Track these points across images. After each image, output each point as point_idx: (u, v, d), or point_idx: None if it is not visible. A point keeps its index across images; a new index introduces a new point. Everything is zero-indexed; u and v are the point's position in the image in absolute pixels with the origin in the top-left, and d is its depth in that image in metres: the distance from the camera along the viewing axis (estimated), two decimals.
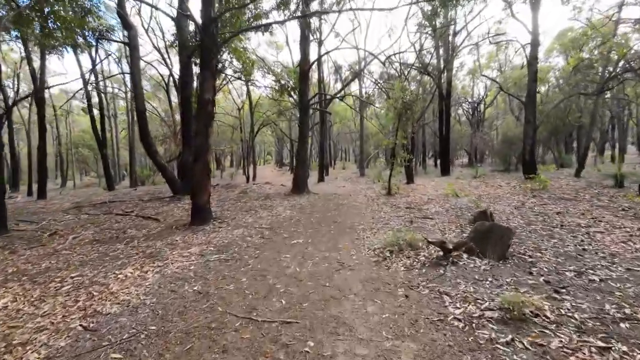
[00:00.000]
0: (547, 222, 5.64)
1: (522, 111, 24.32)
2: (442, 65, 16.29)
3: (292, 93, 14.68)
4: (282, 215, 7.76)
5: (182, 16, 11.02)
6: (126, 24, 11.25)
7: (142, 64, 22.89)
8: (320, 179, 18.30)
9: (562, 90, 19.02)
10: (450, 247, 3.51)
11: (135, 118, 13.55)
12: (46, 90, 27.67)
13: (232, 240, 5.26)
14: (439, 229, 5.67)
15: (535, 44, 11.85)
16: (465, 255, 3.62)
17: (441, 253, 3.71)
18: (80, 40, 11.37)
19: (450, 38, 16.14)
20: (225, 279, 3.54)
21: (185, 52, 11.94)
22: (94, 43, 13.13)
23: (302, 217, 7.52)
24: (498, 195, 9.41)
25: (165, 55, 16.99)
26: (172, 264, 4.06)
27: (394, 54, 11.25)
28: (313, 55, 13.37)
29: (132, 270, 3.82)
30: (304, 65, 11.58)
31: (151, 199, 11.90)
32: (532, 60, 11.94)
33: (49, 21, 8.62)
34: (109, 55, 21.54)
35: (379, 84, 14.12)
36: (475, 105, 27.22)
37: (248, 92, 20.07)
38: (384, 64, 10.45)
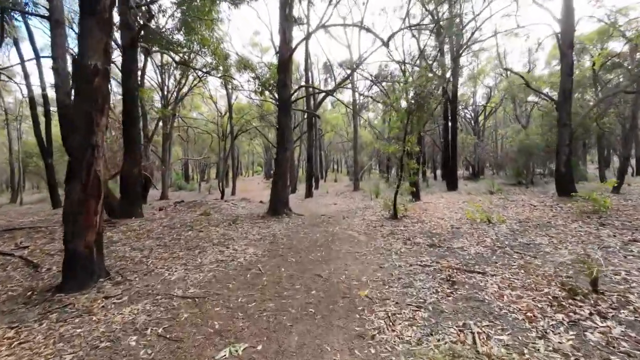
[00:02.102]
0: None
1: (531, 119, 22.42)
2: (448, 63, 14.06)
3: (273, 91, 12.11)
4: (238, 260, 4.94)
5: None
6: None
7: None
8: (309, 193, 15.55)
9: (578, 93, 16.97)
10: None
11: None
12: None
13: (90, 351, 2.41)
14: (515, 306, 2.94)
15: (569, 30, 9.62)
16: None
17: None
18: None
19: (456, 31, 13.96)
20: None
21: (130, 33, 9.30)
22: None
23: (268, 263, 4.72)
24: (545, 222, 6.74)
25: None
26: None
27: (394, 33, 8.79)
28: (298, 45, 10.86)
29: None
30: (284, 51, 8.99)
31: None
32: (567, 50, 9.67)
33: None
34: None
35: (376, 82, 11.78)
36: (479, 112, 25.23)
37: (227, 90, 17.45)
38: (386, 45, 7.96)
